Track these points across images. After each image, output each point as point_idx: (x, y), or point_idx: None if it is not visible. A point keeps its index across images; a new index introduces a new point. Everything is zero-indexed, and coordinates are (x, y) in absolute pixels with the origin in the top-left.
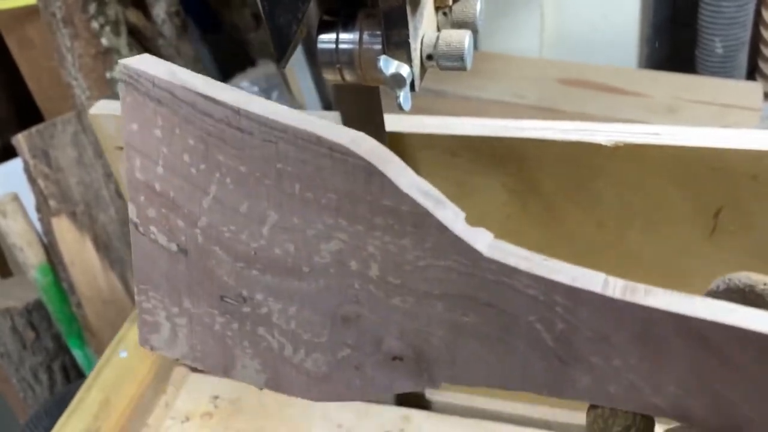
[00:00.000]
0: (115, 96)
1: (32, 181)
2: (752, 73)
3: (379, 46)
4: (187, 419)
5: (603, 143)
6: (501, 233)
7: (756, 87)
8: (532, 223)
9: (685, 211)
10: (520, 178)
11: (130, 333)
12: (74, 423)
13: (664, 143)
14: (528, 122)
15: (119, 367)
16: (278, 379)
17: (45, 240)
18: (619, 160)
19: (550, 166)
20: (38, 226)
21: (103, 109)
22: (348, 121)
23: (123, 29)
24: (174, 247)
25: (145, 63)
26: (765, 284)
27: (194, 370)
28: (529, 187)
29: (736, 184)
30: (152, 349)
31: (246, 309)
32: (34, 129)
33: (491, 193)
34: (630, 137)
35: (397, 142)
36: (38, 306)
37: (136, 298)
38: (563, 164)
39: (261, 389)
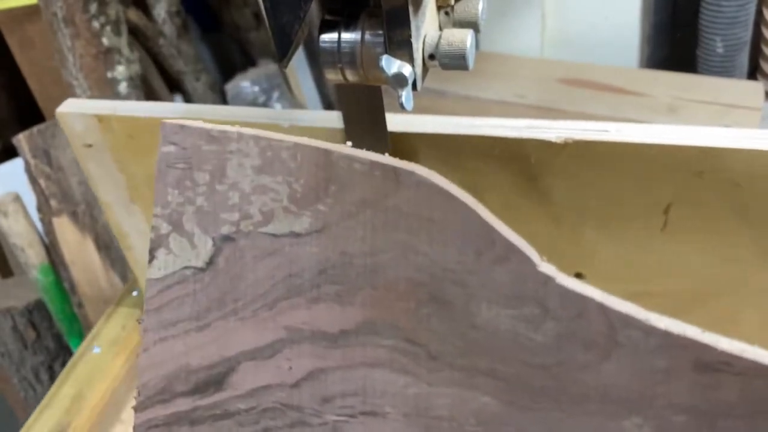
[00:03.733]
0: (108, 95)
1: (33, 180)
2: (753, 72)
3: (381, 46)
4: None
5: (552, 140)
6: None
7: (757, 86)
8: None
9: (637, 207)
10: (479, 175)
11: (104, 329)
12: (46, 418)
13: (612, 140)
14: (482, 120)
15: (92, 363)
16: None
17: (46, 240)
18: (569, 157)
19: (504, 162)
20: (39, 226)
21: (70, 107)
22: (350, 121)
23: (124, 29)
24: None
25: None
26: None
27: None
28: (488, 185)
29: (683, 181)
30: None
31: None
32: (35, 129)
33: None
34: (579, 134)
35: (398, 142)
36: (39, 306)
37: None
38: (516, 161)
39: None
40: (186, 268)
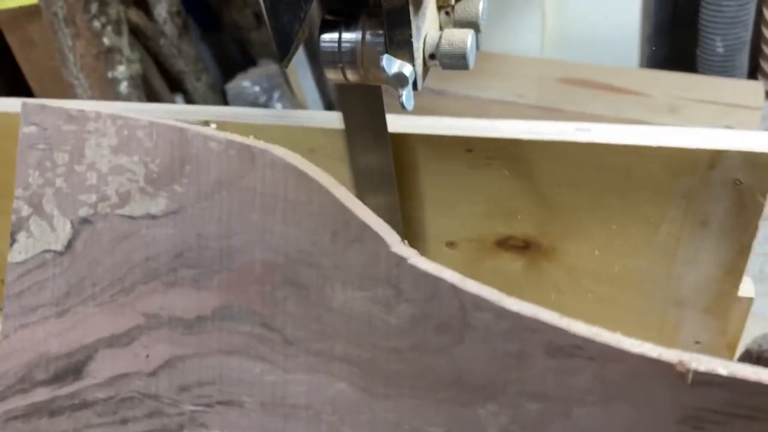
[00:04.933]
0: (108, 95)
1: None
2: (753, 72)
3: (381, 46)
4: None
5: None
6: None
7: (757, 86)
8: None
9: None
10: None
11: None
12: None
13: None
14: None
15: None
16: None
17: None
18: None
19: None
20: None
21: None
22: (350, 121)
23: (124, 29)
24: None
25: None
26: None
27: None
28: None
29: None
30: None
31: None
32: None
33: None
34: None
35: (399, 142)
36: None
37: None
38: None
39: None
40: (46, 251)
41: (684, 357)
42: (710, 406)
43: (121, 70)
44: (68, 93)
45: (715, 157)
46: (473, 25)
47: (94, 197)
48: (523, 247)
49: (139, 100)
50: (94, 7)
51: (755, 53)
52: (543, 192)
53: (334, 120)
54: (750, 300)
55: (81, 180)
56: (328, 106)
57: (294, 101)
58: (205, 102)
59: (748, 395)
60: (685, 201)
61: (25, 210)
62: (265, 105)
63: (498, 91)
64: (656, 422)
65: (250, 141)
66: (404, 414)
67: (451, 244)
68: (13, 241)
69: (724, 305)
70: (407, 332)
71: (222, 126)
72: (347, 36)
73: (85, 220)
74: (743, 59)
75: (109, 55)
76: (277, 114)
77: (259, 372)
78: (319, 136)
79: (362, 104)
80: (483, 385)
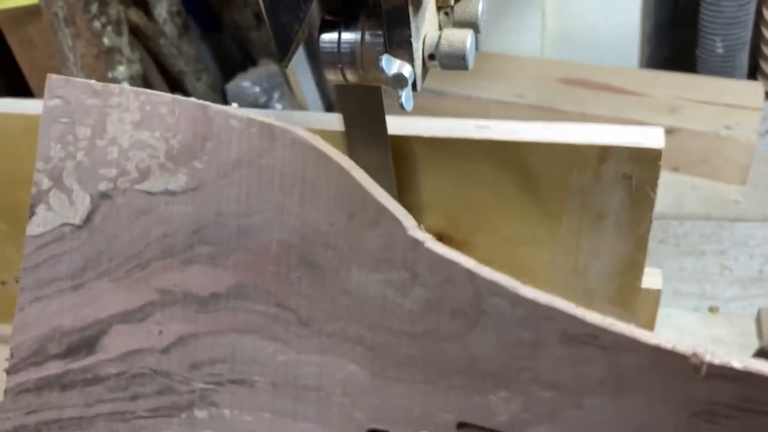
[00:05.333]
0: None
1: None
2: (753, 72)
3: (381, 46)
4: None
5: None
6: None
7: (757, 87)
8: None
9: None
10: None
11: None
12: None
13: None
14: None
15: None
16: None
17: None
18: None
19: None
20: None
21: None
22: (350, 122)
23: (124, 29)
24: None
25: None
26: None
27: None
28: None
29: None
30: None
31: None
32: None
33: None
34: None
35: (398, 145)
36: None
37: None
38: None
39: None
40: (64, 225)
41: (699, 350)
42: (723, 400)
43: (122, 70)
44: None
45: (604, 151)
46: (473, 25)
47: (114, 172)
48: (438, 239)
49: None
50: (94, 7)
51: (755, 53)
52: (451, 187)
53: (334, 121)
54: (658, 292)
55: (102, 154)
56: (328, 106)
57: (294, 101)
58: None
59: (762, 390)
60: (581, 195)
61: (45, 183)
62: (265, 105)
63: (498, 92)
64: (669, 414)
65: (271, 120)
66: (415, 399)
67: None
68: (32, 213)
69: (629, 297)
70: (421, 317)
71: None
72: (347, 36)
73: (104, 195)
74: (743, 59)
75: (109, 55)
76: (276, 115)
77: (271, 351)
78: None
79: (362, 105)
80: (495, 372)
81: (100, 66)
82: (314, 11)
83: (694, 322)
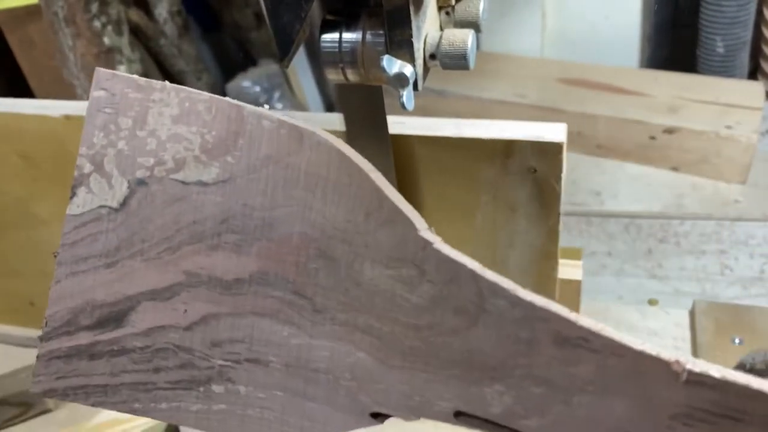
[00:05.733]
0: None
1: None
2: (754, 72)
3: (382, 46)
4: None
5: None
6: None
7: (758, 86)
8: None
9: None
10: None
11: None
12: None
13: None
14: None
15: None
16: None
17: None
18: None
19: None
20: None
21: None
22: (350, 122)
23: (125, 28)
24: None
25: None
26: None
27: None
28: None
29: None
30: None
31: None
32: None
33: None
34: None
35: (400, 143)
36: None
37: None
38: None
39: None
40: (102, 207)
41: (681, 357)
42: (701, 405)
43: (122, 69)
44: (69, 93)
45: (509, 146)
46: (474, 25)
47: (151, 161)
48: None
49: None
50: (94, 7)
51: (755, 53)
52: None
53: (335, 122)
54: (578, 282)
55: (141, 144)
56: (329, 106)
57: (294, 101)
58: None
59: (737, 398)
60: (493, 188)
61: (87, 167)
62: (266, 105)
63: (498, 92)
64: (650, 415)
65: (300, 123)
66: (416, 386)
67: None
68: (73, 194)
69: (547, 288)
70: (426, 311)
71: None
72: (348, 36)
73: (141, 182)
74: (743, 59)
75: (109, 55)
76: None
77: (287, 335)
78: None
79: (363, 105)
80: (492, 366)
81: (100, 66)
82: (315, 11)
83: (633, 315)
